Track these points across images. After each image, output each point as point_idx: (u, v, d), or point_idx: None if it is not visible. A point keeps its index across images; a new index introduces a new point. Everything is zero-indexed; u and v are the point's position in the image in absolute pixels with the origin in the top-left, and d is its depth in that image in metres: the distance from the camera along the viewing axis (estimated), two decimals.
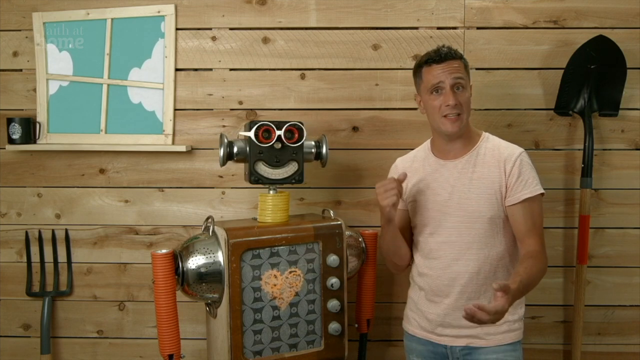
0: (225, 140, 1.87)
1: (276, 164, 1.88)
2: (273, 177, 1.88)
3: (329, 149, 1.97)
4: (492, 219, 1.67)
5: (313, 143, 1.95)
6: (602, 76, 2.13)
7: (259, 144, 1.85)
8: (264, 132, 1.85)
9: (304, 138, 1.90)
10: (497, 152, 1.70)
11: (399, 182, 1.66)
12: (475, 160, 1.71)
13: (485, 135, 1.76)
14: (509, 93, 2.21)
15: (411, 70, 1.78)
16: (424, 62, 1.71)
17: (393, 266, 1.87)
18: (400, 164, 1.86)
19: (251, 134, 1.84)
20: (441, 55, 1.67)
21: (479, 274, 1.68)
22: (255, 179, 1.87)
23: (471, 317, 1.35)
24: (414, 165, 1.82)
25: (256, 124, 1.85)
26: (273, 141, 1.85)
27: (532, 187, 1.65)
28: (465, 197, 1.68)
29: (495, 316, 1.36)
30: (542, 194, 1.68)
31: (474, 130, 1.77)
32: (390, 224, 1.71)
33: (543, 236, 1.68)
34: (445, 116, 1.67)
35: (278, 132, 1.85)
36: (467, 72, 1.71)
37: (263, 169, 1.87)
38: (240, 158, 1.89)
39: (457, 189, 1.70)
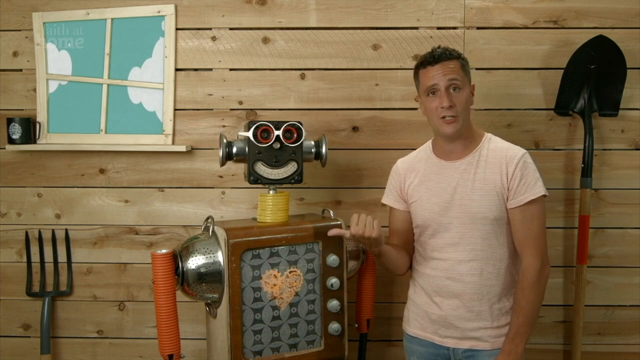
0: (225, 141, 1.87)
1: (275, 164, 1.88)
2: (272, 177, 1.88)
3: (329, 149, 1.97)
4: (496, 220, 1.67)
5: (313, 143, 1.95)
6: (602, 76, 2.13)
7: (258, 144, 1.85)
8: (263, 132, 1.85)
9: (303, 138, 1.90)
10: (499, 153, 1.69)
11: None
12: (477, 161, 1.70)
13: (488, 136, 1.75)
14: (509, 93, 2.21)
15: (411, 70, 1.78)
16: (420, 64, 1.72)
17: (392, 272, 1.87)
18: (401, 165, 1.86)
19: (250, 134, 1.84)
20: (435, 57, 1.67)
21: (482, 275, 1.68)
22: (254, 179, 1.87)
23: None
24: (415, 165, 1.81)
25: (255, 124, 1.85)
26: (272, 141, 1.85)
27: (534, 189, 1.65)
28: (468, 198, 1.68)
29: None
30: (544, 196, 1.67)
31: (476, 130, 1.76)
32: (381, 254, 1.73)
33: (541, 240, 1.67)
34: (442, 118, 1.66)
35: (277, 132, 1.85)
36: (464, 71, 1.69)
37: (262, 169, 1.87)
38: (240, 158, 1.89)
39: (459, 190, 1.69)
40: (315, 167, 2.11)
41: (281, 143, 1.87)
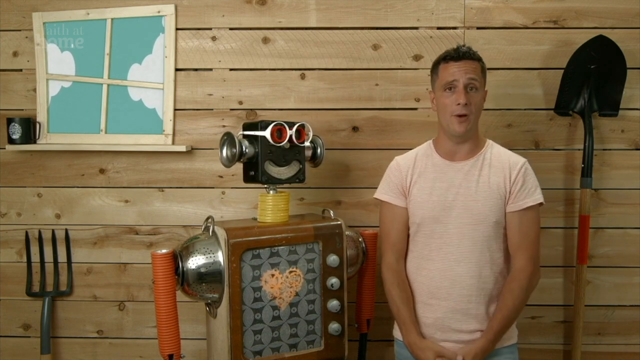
0: (236, 140, 1.84)
1: (283, 163, 1.88)
2: (278, 176, 1.89)
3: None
4: (496, 223, 1.68)
5: (309, 144, 1.96)
6: (602, 76, 2.13)
7: (274, 143, 1.84)
8: (277, 131, 1.85)
9: (310, 138, 1.92)
10: (503, 158, 1.73)
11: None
12: (481, 163, 1.72)
13: (490, 142, 1.78)
14: (509, 93, 2.21)
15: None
16: (442, 59, 1.72)
17: None
18: (402, 162, 1.82)
19: (266, 133, 1.83)
20: (459, 54, 1.68)
21: (480, 277, 1.68)
22: (266, 178, 1.86)
23: None
24: (417, 164, 1.79)
25: (269, 123, 1.83)
26: (285, 141, 1.85)
27: (533, 196, 1.69)
28: (472, 199, 1.68)
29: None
30: (540, 204, 1.71)
31: (481, 136, 1.79)
32: None
33: (536, 246, 1.70)
34: (454, 116, 1.67)
35: (290, 132, 1.85)
36: (483, 75, 1.72)
37: (270, 169, 1.87)
38: (248, 157, 1.88)
39: (462, 190, 1.70)
40: (312, 167, 2.11)
41: (292, 143, 1.87)
